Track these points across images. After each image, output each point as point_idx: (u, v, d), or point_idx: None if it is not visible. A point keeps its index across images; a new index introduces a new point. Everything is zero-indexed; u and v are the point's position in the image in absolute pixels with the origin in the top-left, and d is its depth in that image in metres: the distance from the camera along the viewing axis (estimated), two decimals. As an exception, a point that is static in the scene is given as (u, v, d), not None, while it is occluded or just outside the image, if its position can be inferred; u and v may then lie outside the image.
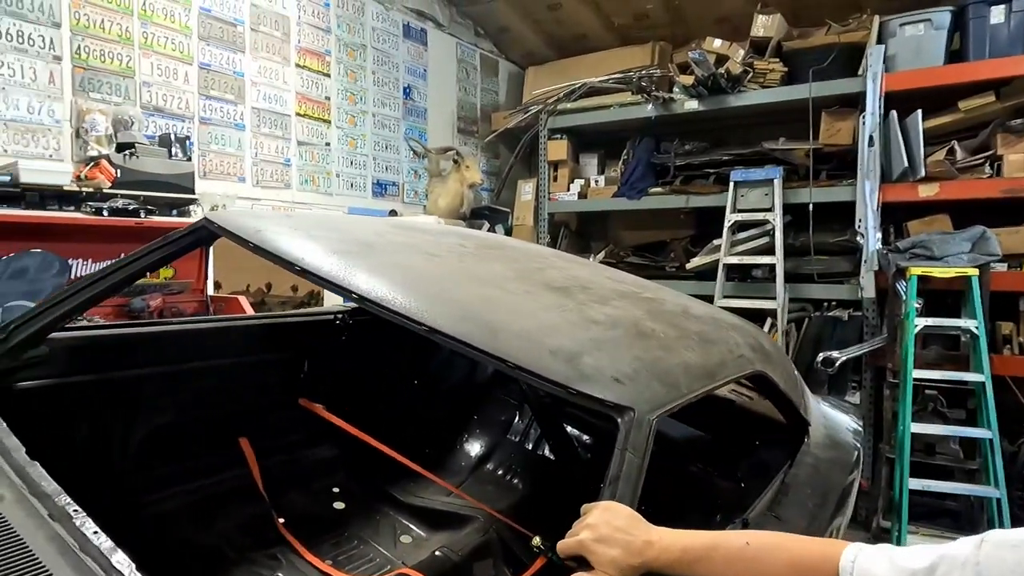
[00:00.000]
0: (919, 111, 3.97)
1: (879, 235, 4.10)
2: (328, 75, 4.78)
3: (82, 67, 3.41)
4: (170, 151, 3.54)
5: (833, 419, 2.45)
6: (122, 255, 1.68)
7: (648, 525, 0.99)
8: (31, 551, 0.98)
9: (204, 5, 3.96)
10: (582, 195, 5.60)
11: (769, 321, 4.43)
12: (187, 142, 3.71)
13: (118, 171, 3.21)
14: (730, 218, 4.58)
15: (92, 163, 3.20)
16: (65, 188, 3.06)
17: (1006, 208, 3.88)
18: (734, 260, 4.57)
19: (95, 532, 1.04)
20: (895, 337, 3.91)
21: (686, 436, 2.55)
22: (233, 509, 2.24)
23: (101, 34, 3.49)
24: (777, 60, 4.63)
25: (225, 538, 2.17)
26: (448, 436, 3.01)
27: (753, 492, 1.85)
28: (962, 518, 3.90)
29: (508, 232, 5.74)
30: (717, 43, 4.90)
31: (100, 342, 1.95)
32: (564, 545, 1.00)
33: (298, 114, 4.56)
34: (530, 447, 2.98)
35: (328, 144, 4.79)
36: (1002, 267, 3.85)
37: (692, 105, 4.89)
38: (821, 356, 3.75)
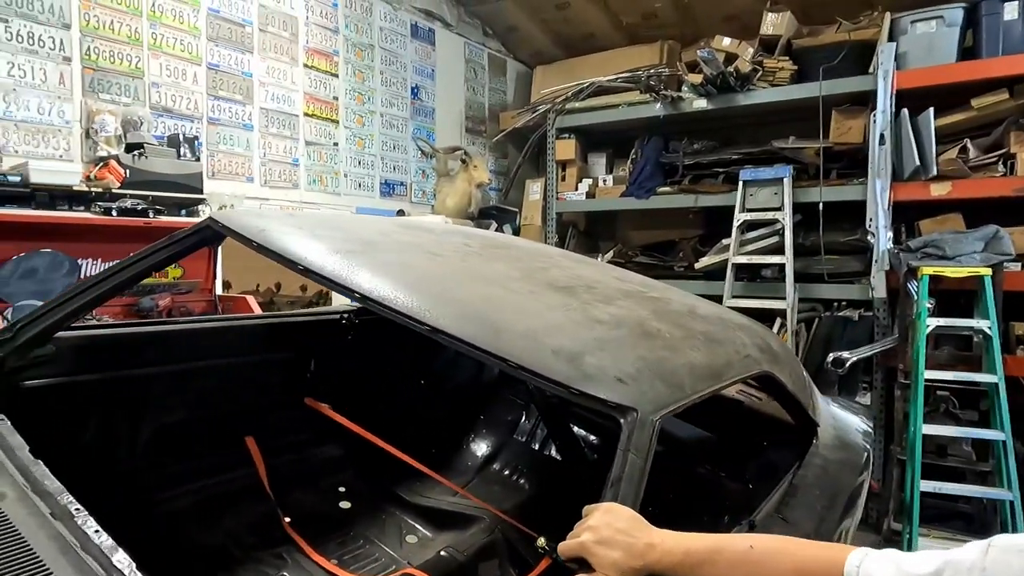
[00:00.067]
0: (931, 109, 3.93)
1: (890, 234, 4.06)
2: (336, 75, 4.79)
3: (92, 68, 3.43)
4: (179, 151, 3.56)
5: (843, 420, 2.43)
6: (131, 255, 1.69)
7: (650, 527, 0.98)
8: (32, 549, 0.98)
9: (212, 6, 3.98)
10: (590, 195, 5.59)
11: (779, 321, 4.40)
12: (196, 142, 3.73)
13: (127, 171, 3.22)
14: (739, 217, 4.55)
15: (101, 163, 3.22)
16: (75, 188, 3.08)
17: (1020, 207, 3.83)
18: (743, 260, 4.54)
19: (96, 531, 1.04)
20: (906, 337, 3.87)
21: (694, 437, 2.53)
22: (239, 508, 2.24)
23: (110, 35, 3.51)
24: (787, 58, 4.60)
25: (231, 537, 2.17)
26: (454, 436, 3.00)
27: (761, 493, 1.84)
28: (974, 521, 3.85)
29: (516, 232, 5.73)
30: (726, 41, 4.87)
31: (106, 341, 1.96)
32: (565, 547, 0.99)
33: (306, 114, 4.58)
34: (536, 447, 2.97)
35: (336, 144, 4.81)
36: (1015, 267, 3.80)
37: (701, 104, 4.86)
38: (831, 357, 3.71)
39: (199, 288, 3.61)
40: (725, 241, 4.69)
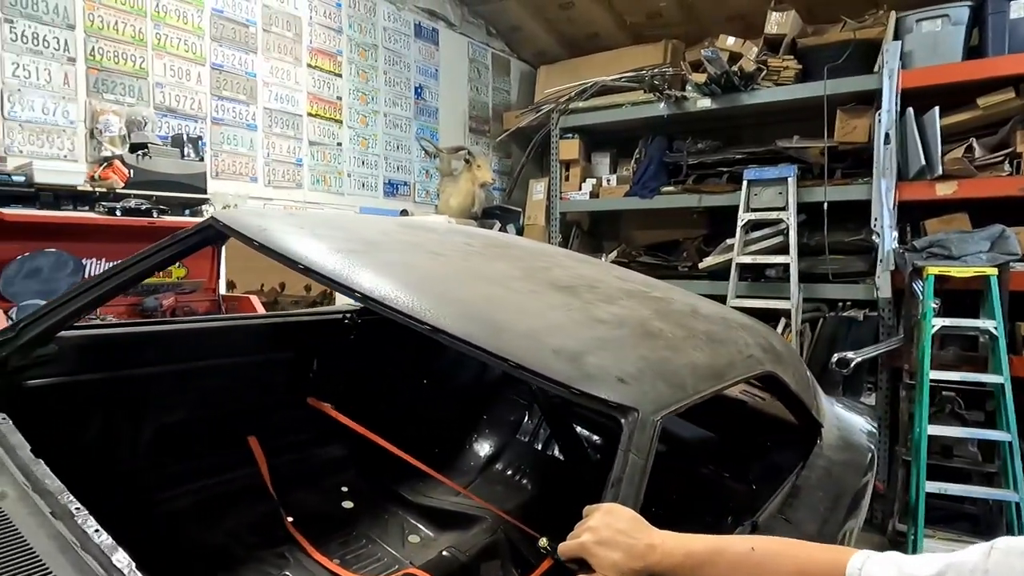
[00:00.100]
0: (936, 108, 3.91)
1: (895, 234, 4.04)
2: (340, 75, 4.79)
3: (96, 68, 3.44)
4: (183, 151, 3.57)
5: (847, 421, 2.42)
6: (133, 255, 1.69)
7: (651, 528, 0.97)
8: (32, 548, 0.98)
9: (216, 6, 3.99)
10: (594, 194, 5.58)
11: (783, 321, 4.39)
12: (199, 142, 3.74)
13: (131, 171, 3.23)
14: (743, 217, 4.54)
15: (106, 163, 3.22)
16: (79, 188, 3.09)
17: (1026, 206, 3.81)
18: (747, 260, 4.52)
19: (96, 530, 1.04)
20: (912, 338, 3.85)
21: (697, 437, 2.52)
22: (242, 508, 2.25)
23: (115, 35, 3.52)
24: (791, 57, 4.58)
25: (234, 536, 2.18)
26: (457, 436, 3.00)
27: (764, 494, 1.83)
28: (980, 522, 3.83)
29: (520, 232, 5.73)
30: (730, 41, 4.86)
31: (109, 341, 1.96)
32: (565, 547, 0.98)
33: (310, 114, 4.58)
34: (539, 447, 2.97)
35: (340, 144, 4.81)
36: (1022, 266, 3.77)
37: (705, 103, 4.85)
38: (836, 357, 3.70)
39: (203, 288, 3.62)
40: (729, 241, 4.67)
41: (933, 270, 3.63)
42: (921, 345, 3.62)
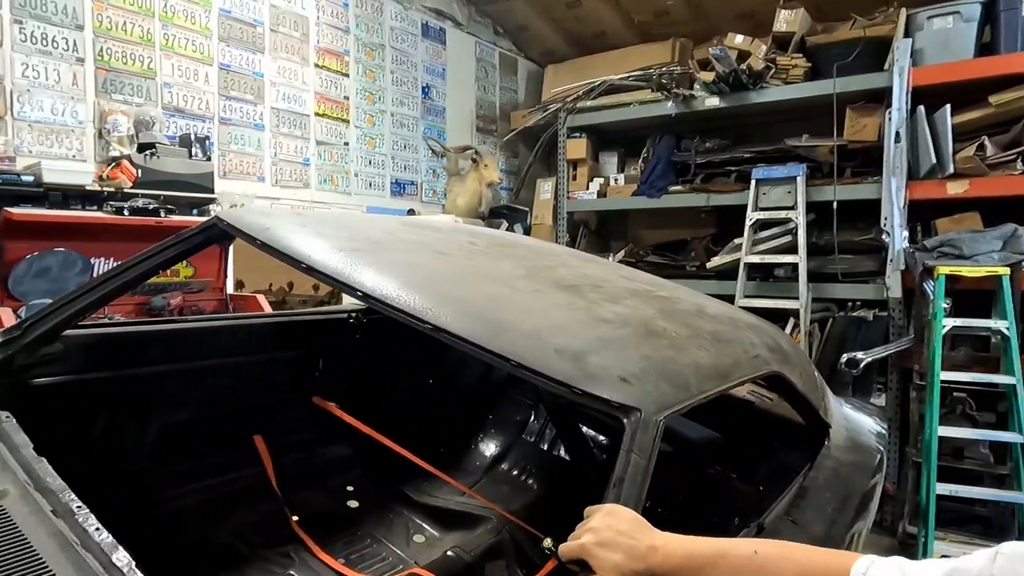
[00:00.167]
0: (948, 106, 3.86)
1: (906, 233, 4.00)
2: (347, 75, 4.80)
3: (104, 69, 3.46)
4: (190, 151, 3.58)
5: (856, 421, 2.39)
6: (138, 253, 1.70)
7: (652, 529, 0.96)
8: (32, 546, 0.98)
9: (224, 6, 4.00)
10: (601, 194, 5.56)
11: (792, 321, 4.35)
12: (207, 142, 3.75)
13: (139, 171, 3.25)
14: (752, 216, 4.51)
15: (114, 163, 3.25)
16: (87, 188, 3.10)
17: (1039, 205, 3.76)
18: (756, 259, 4.49)
19: (96, 528, 1.04)
20: (922, 338, 3.82)
21: (704, 438, 2.50)
22: (247, 507, 2.25)
23: (123, 36, 3.54)
24: (800, 55, 4.55)
25: (239, 535, 2.18)
26: (463, 436, 2.99)
27: (771, 495, 1.81)
28: (992, 525, 3.79)
29: (527, 231, 5.72)
30: (739, 39, 4.83)
31: (114, 339, 1.97)
32: (566, 548, 0.97)
33: (317, 114, 4.59)
34: (545, 447, 2.96)
35: (347, 143, 4.82)
36: (1034, 266, 3.73)
37: (713, 102, 4.82)
38: (845, 357, 3.66)
39: (210, 287, 3.63)
40: (737, 240, 4.65)
41: (944, 270, 3.59)
42: (932, 345, 3.58)
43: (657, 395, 1.18)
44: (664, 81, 5.06)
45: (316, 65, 4.57)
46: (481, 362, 3.04)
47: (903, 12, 4.16)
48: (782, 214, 4.43)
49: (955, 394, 3.77)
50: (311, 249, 1.45)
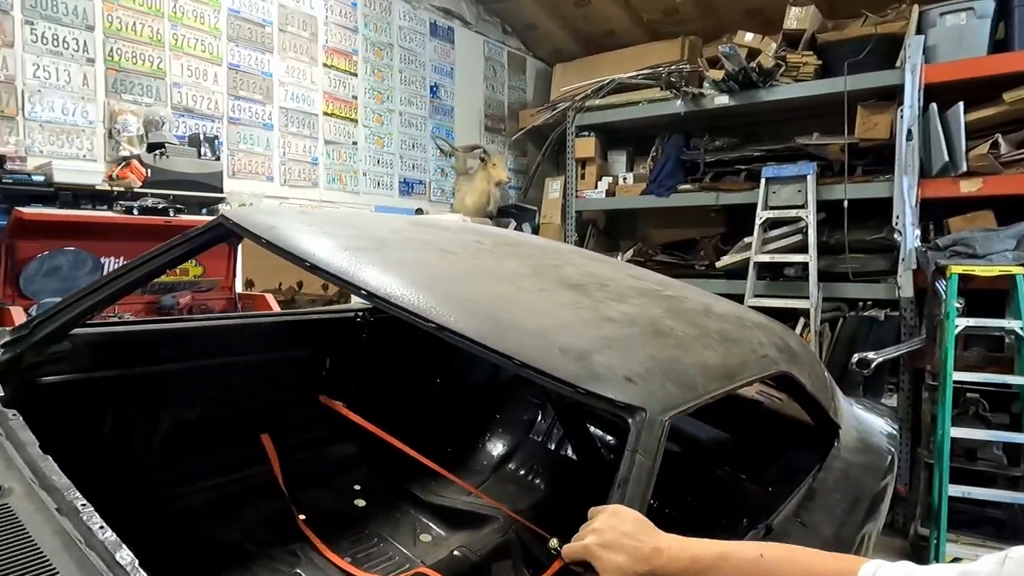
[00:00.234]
0: (960, 103, 3.82)
1: (918, 232, 3.96)
2: (355, 74, 4.81)
3: (114, 69, 3.48)
4: (199, 151, 3.59)
5: (866, 422, 2.37)
6: (145, 252, 1.70)
7: (657, 531, 0.95)
8: (36, 544, 0.98)
9: (233, 6, 4.02)
10: (610, 193, 5.54)
11: (802, 321, 4.32)
12: (216, 142, 3.76)
13: (149, 171, 3.26)
14: (761, 215, 4.48)
15: (124, 163, 3.26)
16: (97, 187, 3.12)
17: (1054, 204, 3.71)
18: (765, 258, 4.47)
19: (101, 527, 1.04)
20: (934, 338, 3.78)
21: (713, 438, 2.49)
22: (254, 505, 2.26)
23: (133, 36, 3.56)
24: (811, 53, 4.52)
25: (246, 534, 2.19)
26: (470, 435, 2.99)
27: (780, 496, 1.79)
28: (1005, 527, 3.74)
29: (535, 230, 5.71)
30: (748, 36, 4.80)
31: (122, 338, 1.98)
32: (569, 549, 0.96)
33: (325, 113, 4.60)
34: (552, 447, 2.95)
35: (355, 143, 4.82)
36: (1050, 265, 3.68)
37: (722, 100, 4.79)
38: (856, 357, 3.63)
39: (219, 286, 3.65)
40: (747, 239, 4.62)
41: (957, 269, 3.55)
42: (944, 345, 3.54)
43: (663, 395, 1.17)
44: (673, 79, 5.03)
45: (324, 65, 4.58)
46: (488, 361, 3.04)
47: (915, 8, 4.12)
48: (792, 213, 4.40)
49: (968, 395, 3.73)
50: (316, 248, 1.45)
